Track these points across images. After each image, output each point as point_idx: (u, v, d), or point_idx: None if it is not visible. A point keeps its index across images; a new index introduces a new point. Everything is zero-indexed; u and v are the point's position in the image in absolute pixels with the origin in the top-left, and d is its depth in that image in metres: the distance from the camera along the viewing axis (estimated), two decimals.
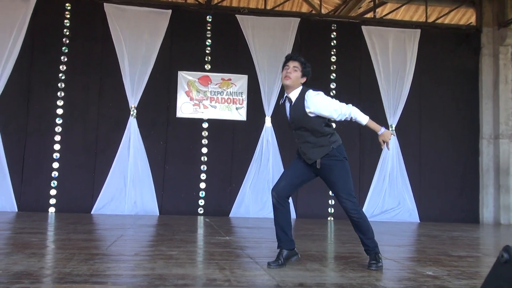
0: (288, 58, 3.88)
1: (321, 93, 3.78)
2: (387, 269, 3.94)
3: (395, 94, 11.14)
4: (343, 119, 3.80)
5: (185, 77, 10.63)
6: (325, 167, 3.74)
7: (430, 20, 11.96)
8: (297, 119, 3.75)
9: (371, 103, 11.07)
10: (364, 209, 10.67)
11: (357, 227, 3.79)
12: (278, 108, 4.30)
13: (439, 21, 12.02)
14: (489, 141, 11.31)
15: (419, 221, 10.73)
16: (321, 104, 3.72)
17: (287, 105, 3.82)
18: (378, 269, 3.73)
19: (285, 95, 3.84)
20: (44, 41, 10.27)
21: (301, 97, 3.74)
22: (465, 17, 12.92)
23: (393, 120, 11.04)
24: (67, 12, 10.40)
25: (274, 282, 3.17)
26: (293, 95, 3.79)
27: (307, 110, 3.70)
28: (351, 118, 3.79)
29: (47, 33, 10.31)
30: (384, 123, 10.97)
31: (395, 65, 11.23)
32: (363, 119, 3.77)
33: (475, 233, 8.34)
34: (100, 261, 3.81)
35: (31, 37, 10.18)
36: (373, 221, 10.82)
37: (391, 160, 10.94)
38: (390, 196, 10.86)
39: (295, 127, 3.78)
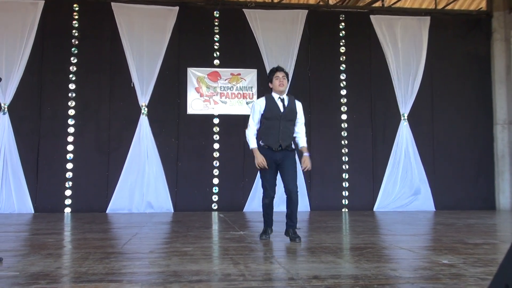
0: (276, 70, 5.13)
1: None
2: (402, 259, 3.92)
3: (406, 83, 11.04)
4: (301, 127, 5.17)
5: (194, 74, 10.64)
6: (291, 157, 5.02)
7: (440, 6, 11.82)
8: (290, 114, 5.06)
9: (383, 92, 11.00)
10: (378, 199, 10.66)
11: (294, 205, 4.97)
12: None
13: (449, 7, 11.87)
14: (503, 126, 11.17)
15: (434, 210, 10.66)
16: (302, 110, 5.20)
17: (280, 103, 5.04)
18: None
19: (278, 96, 5.06)
20: (53, 42, 10.34)
21: (292, 100, 5.14)
22: (475, 2, 12.72)
23: (405, 109, 10.95)
24: (75, 13, 10.45)
25: (289, 275, 3.17)
26: (285, 96, 5.11)
27: (298, 110, 5.12)
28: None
29: (57, 34, 10.37)
30: (396, 112, 10.94)
31: (405, 54, 11.12)
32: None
33: (492, 220, 8.25)
34: (115, 259, 3.84)
35: (41, 39, 10.25)
36: (387, 211, 10.76)
37: (405, 149, 10.86)
38: (405, 185, 10.79)
39: (286, 119, 5.02)
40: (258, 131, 5.14)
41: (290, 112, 5.05)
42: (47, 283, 2.92)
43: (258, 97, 10.69)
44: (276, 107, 5.02)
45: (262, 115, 5.06)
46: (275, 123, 4.97)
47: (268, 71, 10.43)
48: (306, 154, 5.05)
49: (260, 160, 4.96)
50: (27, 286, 2.83)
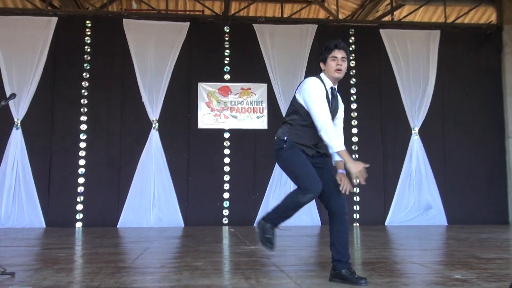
0: (334, 47, 3.61)
1: None
2: (415, 274, 3.89)
3: (417, 97, 11.00)
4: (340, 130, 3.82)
5: (205, 88, 10.70)
6: (331, 163, 3.70)
7: (450, 20, 11.82)
8: (335, 111, 3.73)
9: (393, 107, 10.97)
10: (389, 214, 10.55)
11: (346, 227, 3.51)
12: None
13: (459, 21, 11.87)
14: None
15: (446, 224, 10.55)
16: (343, 108, 3.89)
17: (329, 95, 3.66)
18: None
19: (330, 85, 3.66)
20: (66, 58, 10.46)
21: (336, 94, 3.75)
22: (485, 15, 12.73)
23: (416, 123, 10.90)
24: (87, 29, 10.58)
25: None
26: (335, 86, 3.73)
27: (340, 107, 3.80)
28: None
29: (69, 50, 10.49)
30: (406, 127, 10.87)
31: (416, 68, 11.10)
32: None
33: (505, 235, 8.16)
34: (126, 274, 3.85)
35: (53, 55, 10.38)
36: (399, 226, 10.64)
37: (416, 163, 10.78)
38: (416, 200, 10.70)
39: (334, 117, 3.70)
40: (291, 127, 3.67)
41: (335, 108, 3.74)
42: None
43: (268, 111, 10.73)
44: (327, 99, 3.63)
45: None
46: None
47: (274, 85, 10.66)
48: (341, 171, 3.59)
49: (360, 166, 3.37)
50: None
